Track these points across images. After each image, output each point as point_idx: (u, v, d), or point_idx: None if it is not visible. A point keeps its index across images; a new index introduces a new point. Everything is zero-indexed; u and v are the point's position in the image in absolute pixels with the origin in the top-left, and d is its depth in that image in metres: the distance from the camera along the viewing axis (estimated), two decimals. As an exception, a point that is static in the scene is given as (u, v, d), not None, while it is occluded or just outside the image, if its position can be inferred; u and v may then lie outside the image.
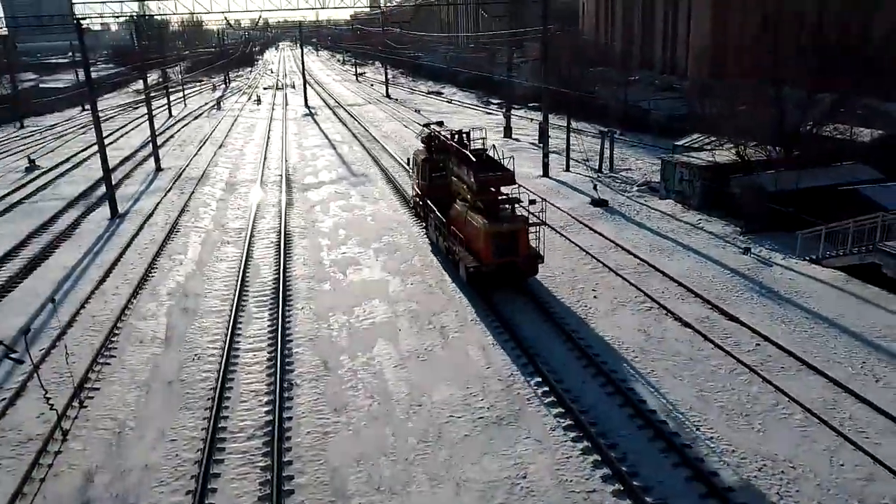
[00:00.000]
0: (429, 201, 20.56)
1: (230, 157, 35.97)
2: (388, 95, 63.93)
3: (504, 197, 17.63)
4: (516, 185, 17.73)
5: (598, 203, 24.10)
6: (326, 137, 41.46)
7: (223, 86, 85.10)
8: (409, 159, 25.18)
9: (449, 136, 19.72)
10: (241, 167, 33.18)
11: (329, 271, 19.07)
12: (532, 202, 18.57)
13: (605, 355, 14.10)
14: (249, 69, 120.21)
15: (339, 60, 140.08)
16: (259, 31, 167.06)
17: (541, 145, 31.08)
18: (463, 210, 18.24)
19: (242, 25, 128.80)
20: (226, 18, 35.64)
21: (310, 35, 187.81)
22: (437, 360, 14.27)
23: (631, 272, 18.08)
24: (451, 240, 18.71)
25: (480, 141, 19.66)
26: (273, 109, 57.01)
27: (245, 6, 31.20)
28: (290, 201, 26.36)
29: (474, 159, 17.74)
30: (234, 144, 39.76)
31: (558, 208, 23.74)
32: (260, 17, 37.13)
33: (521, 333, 14.95)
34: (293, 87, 79.04)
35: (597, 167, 29.26)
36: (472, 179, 17.44)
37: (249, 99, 67.24)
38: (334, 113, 52.86)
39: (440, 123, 21.83)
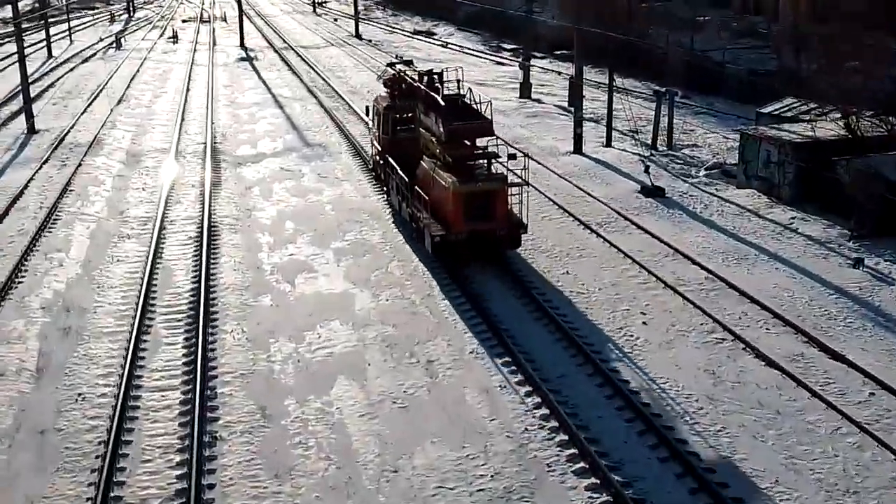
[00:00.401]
0: (391, 159, 21.96)
1: (134, 116, 36.01)
2: (357, 35, 64.26)
3: (479, 151, 19.40)
4: (494, 137, 19.44)
5: (651, 191, 24.36)
6: (270, 92, 41.60)
7: (125, 16, 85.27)
8: (367, 107, 26.40)
9: (417, 78, 21.01)
10: (148, 131, 33.23)
11: (270, 280, 19.13)
12: (512, 157, 19.71)
13: (658, 404, 14.18)
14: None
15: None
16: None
17: (571, 110, 31.37)
18: (430, 168, 19.80)
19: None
20: None
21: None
22: (422, 407, 14.32)
23: (695, 289, 18.24)
24: (415, 204, 20.17)
25: (476, 96, 19.79)
26: (195, 51, 57.17)
27: None
28: (218, 180, 26.43)
29: (444, 104, 19.17)
30: (140, 99, 39.83)
31: (595, 198, 23.98)
32: None
33: (539, 371, 15.05)
34: (224, 20, 79.26)
35: (649, 142, 29.54)
36: (441, 129, 19.01)
37: (162, 35, 67.45)
38: (282, 58, 53.12)
39: (408, 63, 22.95)
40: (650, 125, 30.35)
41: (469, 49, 57.04)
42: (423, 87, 20.46)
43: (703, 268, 19.20)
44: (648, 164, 26.26)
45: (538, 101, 38.19)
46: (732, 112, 34.18)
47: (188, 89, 41.84)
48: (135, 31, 72.22)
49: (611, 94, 29.72)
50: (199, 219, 22.59)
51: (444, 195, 19.13)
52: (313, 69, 48.10)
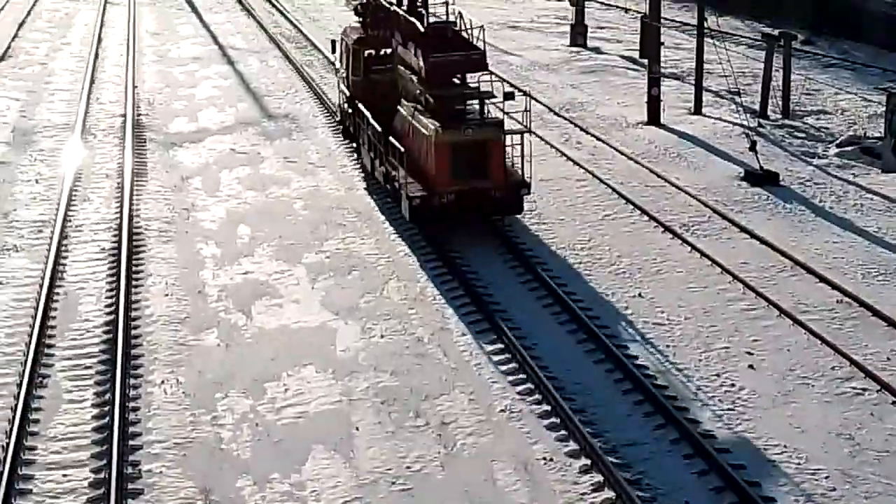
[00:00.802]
0: (361, 106, 23.59)
1: (23, 78, 36.38)
2: None
3: (469, 91, 21.08)
4: (487, 73, 21.02)
5: (760, 178, 24.34)
6: (216, 41, 41.95)
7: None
8: (332, 42, 27.86)
9: (395, 1, 22.63)
10: (44, 99, 33.55)
11: (217, 309, 19.20)
12: (509, 96, 21.51)
13: (772, 484, 14.08)
14: None
15: None
16: None
17: (645, 63, 31.36)
18: (409, 114, 21.44)
19: None
20: None
21: None
22: (433, 490, 14.28)
23: (823, 318, 18.17)
24: (390, 160, 21.79)
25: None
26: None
27: None
28: (143, 168, 26.62)
29: (425, 31, 20.81)
30: (32, 54, 40.27)
31: (679, 188, 23.96)
32: None
33: (600, 438, 14.98)
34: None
35: (756, 108, 29.48)
36: (421, 62, 20.54)
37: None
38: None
39: None
40: (757, 84, 30.30)
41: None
42: (400, 12, 21.91)
43: (834, 287, 19.14)
44: (755, 139, 26.21)
45: (596, 50, 38.29)
46: (876, 64, 34.08)
47: (100, 39, 42.29)
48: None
49: (700, 41, 29.70)
50: (116, 223, 22.74)
51: (426, 146, 20.66)
52: (277, 7, 48.41)
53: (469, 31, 21.25)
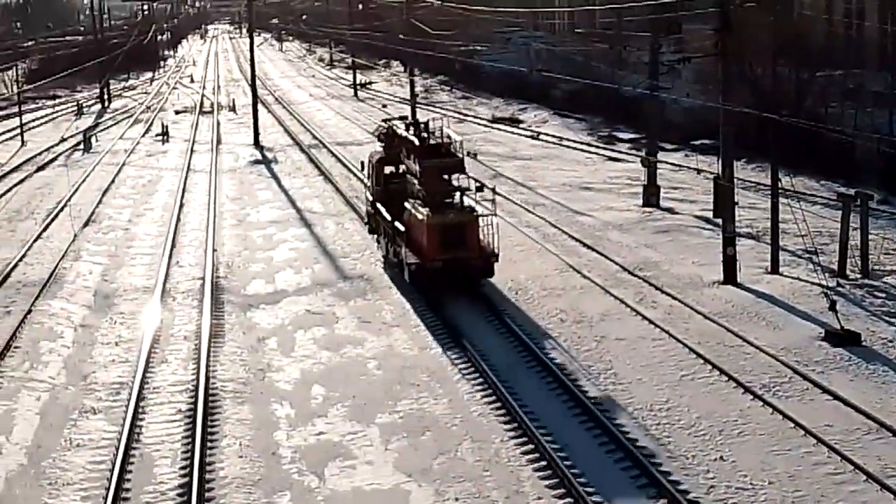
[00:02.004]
0: (380, 207, 31.62)
1: (106, 243, 37.33)
2: (414, 126, 66.34)
3: (452, 186, 29.17)
4: (464, 174, 29.19)
5: (841, 338, 23.88)
6: (294, 205, 42.86)
7: (97, 106, 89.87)
8: (362, 163, 35.56)
9: (405, 128, 30.96)
10: (125, 263, 34.31)
11: (290, 471, 19.08)
12: (479, 189, 29.88)
13: None
14: (151, 74, 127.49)
15: (321, 59, 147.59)
16: (170, 2, 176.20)
17: (719, 222, 31.33)
18: (411, 206, 29.39)
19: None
20: None
21: (268, 11, 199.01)
22: None
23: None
24: (396, 240, 29.63)
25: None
26: (192, 152, 59.68)
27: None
28: (220, 330, 26.91)
29: (418, 143, 29.02)
30: (116, 219, 41.39)
31: (758, 348, 23.59)
32: None
33: None
34: (232, 109, 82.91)
35: (835, 267, 29.16)
36: (417, 166, 28.85)
37: (147, 131, 70.73)
38: (311, 159, 55.01)
39: (404, 118, 32.17)
40: (834, 243, 30.03)
41: (570, 140, 58.22)
42: (406, 135, 29.97)
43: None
44: (835, 298, 25.83)
45: (670, 210, 38.39)
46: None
47: (181, 204, 43.39)
48: (110, 126, 76.04)
49: (775, 200, 29.66)
50: (193, 384, 22.90)
51: (420, 227, 28.34)
52: (354, 173, 49.49)
53: (453, 142, 29.36)
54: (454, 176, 29.34)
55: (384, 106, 79.80)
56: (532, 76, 71.76)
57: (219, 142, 63.98)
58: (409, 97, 69.95)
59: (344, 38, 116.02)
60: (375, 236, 33.60)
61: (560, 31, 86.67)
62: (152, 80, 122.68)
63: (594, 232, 35.36)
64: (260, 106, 65.91)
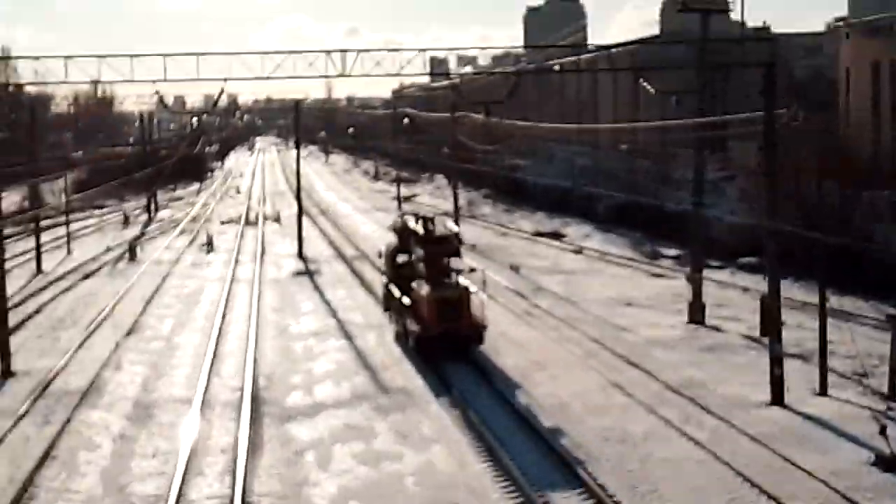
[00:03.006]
0: (392, 287, 37.82)
1: (147, 352, 37.34)
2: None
3: (451, 268, 35.53)
4: (460, 257, 36.15)
5: (890, 463, 23.22)
6: (335, 317, 42.81)
7: (143, 216, 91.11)
8: (379, 252, 42.39)
9: (415, 221, 37.05)
10: (165, 373, 34.24)
11: (325, 592, 18.56)
12: (472, 270, 37.99)
13: None
14: (198, 186, 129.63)
15: (366, 172, 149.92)
16: (219, 115, 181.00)
17: (765, 342, 30.89)
18: (417, 285, 35.35)
19: (188, 107, 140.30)
20: (157, 93, 38.15)
21: (314, 125, 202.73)
22: None
23: None
24: (404, 314, 35.73)
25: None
26: (237, 263, 60.09)
27: (198, 73, 33.86)
28: (258, 442, 26.63)
29: (423, 232, 35.66)
30: (158, 329, 41.48)
31: (807, 472, 22.96)
32: (222, 91, 39.70)
33: None
34: (278, 220, 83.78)
35: (885, 390, 28.55)
36: (421, 251, 35.47)
37: (193, 242, 71.48)
38: (353, 270, 55.21)
39: (416, 215, 38.12)
40: (884, 366, 29.43)
41: (614, 255, 58.07)
42: (416, 228, 36.31)
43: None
44: (885, 422, 25.19)
45: (715, 328, 37.91)
46: None
47: (224, 315, 43.42)
48: (156, 236, 76.89)
49: (823, 320, 29.20)
50: (229, 498, 22.57)
51: (422, 301, 34.40)
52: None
53: (454, 233, 36.34)
54: (452, 260, 35.83)
55: (407, 199, 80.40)
56: (575, 191, 72.16)
57: (263, 252, 64.40)
58: (452, 209, 70.39)
59: (389, 151, 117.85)
60: (388, 313, 39.66)
61: (604, 144, 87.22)
62: (199, 190, 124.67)
63: (638, 349, 34.94)
64: (305, 217, 66.53)
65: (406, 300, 35.38)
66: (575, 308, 42.47)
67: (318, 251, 64.46)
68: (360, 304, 45.15)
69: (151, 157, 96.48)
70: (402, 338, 36.47)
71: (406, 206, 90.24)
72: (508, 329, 38.33)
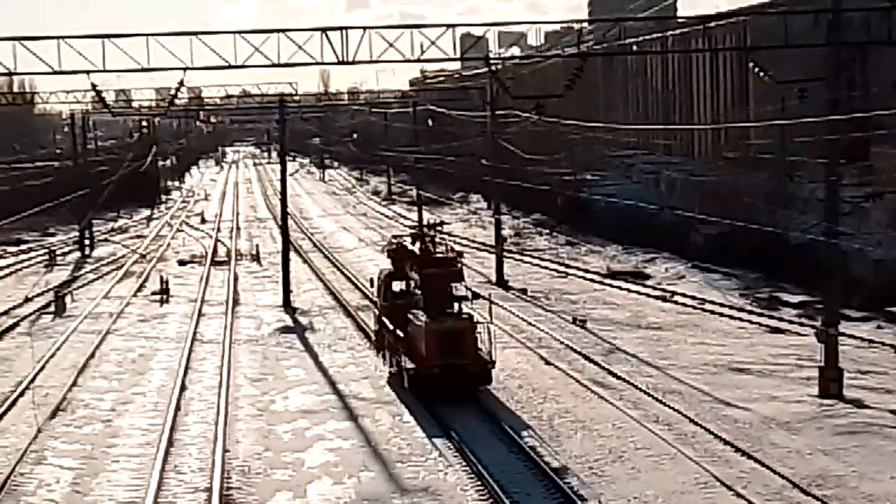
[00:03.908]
0: (386, 321, 42.26)
1: (80, 439, 37.26)
2: (501, 282, 66.28)
3: (452, 295, 39.49)
4: (463, 283, 40.13)
5: None
6: (334, 389, 42.71)
7: (77, 254, 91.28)
8: (371, 279, 47.82)
9: (411, 241, 41.94)
10: (103, 468, 34.14)
11: None
12: (477, 297, 42.20)
13: None
14: (149, 212, 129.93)
15: (375, 193, 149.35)
16: (177, 117, 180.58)
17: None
18: (414, 317, 39.31)
19: (135, 106, 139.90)
20: (94, 88, 37.73)
21: (306, 129, 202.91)
22: None
23: None
24: (398, 349, 40.18)
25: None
26: (201, 316, 60.23)
27: (148, 61, 33.69)
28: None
29: (419, 253, 40.08)
30: (93, 408, 41.42)
31: None
32: (181, 84, 39.37)
33: None
34: (256, 259, 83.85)
35: None
36: (418, 276, 39.57)
37: (141, 288, 71.67)
38: (359, 326, 55.07)
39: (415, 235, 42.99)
40: None
41: (715, 304, 57.73)
42: (412, 248, 40.81)
43: None
44: None
45: (857, 402, 37.56)
46: None
47: (183, 387, 43.39)
48: (92, 281, 77.05)
49: None
50: None
51: (419, 334, 38.46)
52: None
53: (456, 256, 41.18)
54: (454, 285, 39.79)
55: (430, 228, 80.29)
56: (663, 215, 71.89)
57: (236, 302, 64.47)
58: (493, 242, 70.30)
59: (407, 163, 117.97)
60: (381, 352, 44.18)
61: (702, 155, 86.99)
62: (150, 218, 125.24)
63: (750, 432, 34.65)
64: (293, 254, 66.57)
65: (400, 333, 40.18)
66: (663, 376, 42.21)
67: (311, 300, 64.48)
68: (368, 372, 44.99)
69: (86, 175, 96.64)
70: (396, 380, 40.98)
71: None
72: (572, 405, 38.11)
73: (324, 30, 34.36)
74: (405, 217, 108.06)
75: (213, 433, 36.71)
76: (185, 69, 34.80)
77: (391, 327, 41.22)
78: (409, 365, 38.52)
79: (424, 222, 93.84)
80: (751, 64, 43.98)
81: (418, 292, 39.96)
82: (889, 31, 38.53)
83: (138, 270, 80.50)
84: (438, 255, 40.34)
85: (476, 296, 42.14)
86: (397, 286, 42.83)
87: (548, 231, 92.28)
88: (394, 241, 44.74)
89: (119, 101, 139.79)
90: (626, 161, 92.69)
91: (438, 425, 36.34)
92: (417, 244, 40.90)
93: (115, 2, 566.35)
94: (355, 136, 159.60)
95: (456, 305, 39.65)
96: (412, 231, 45.96)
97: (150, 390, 43.78)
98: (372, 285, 47.26)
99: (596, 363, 44.72)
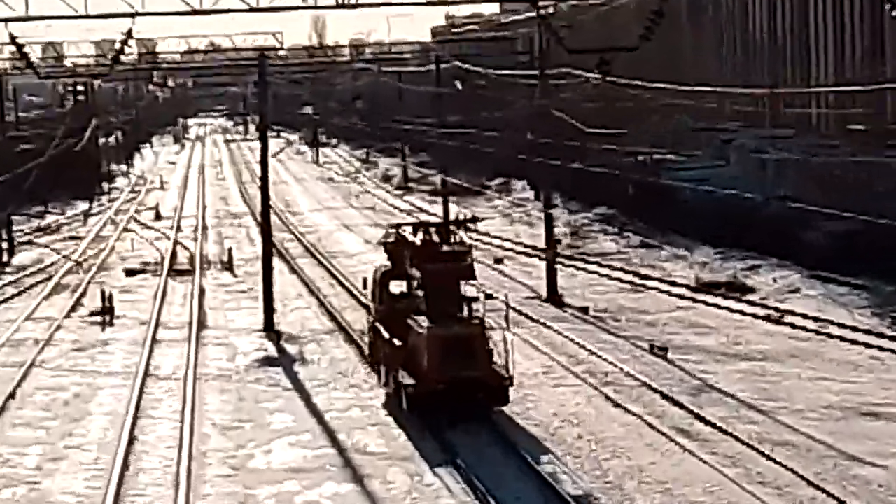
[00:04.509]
0: (380, 326, 45.45)
1: (-5, 507, 37.36)
2: (554, 297, 66.32)
3: (459, 295, 42.13)
4: (475, 281, 43.00)
5: None
6: (332, 441, 42.74)
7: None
8: (364, 280, 51.27)
9: (412, 231, 44.61)
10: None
11: None
12: (489, 297, 44.22)
13: None
14: (87, 205, 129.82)
15: (386, 178, 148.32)
16: (124, 79, 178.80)
17: None
18: (414, 322, 42.11)
19: (68, 65, 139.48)
20: (14, 42, 37.62)
21: (294, 95, 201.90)
22: None
23: None
24: (394, 362, 42.94)
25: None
26: (154, 342, 60.37)
27: (85, 7, 33.76)
28: None
29: (420, 245, 42.84)
30: (15, 465, 41.57)
31: None
32: (128, 36, 39.00)
33: None
34: (229, 268, 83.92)
35: None
36: (418, 272, 42.31)
37: (76, 307, 71.87)
38: (363, 355, 54.88)
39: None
40: None
41: (840, 325, 57.51)
42: (413, 239, 43.60)
43: None
44: None
45: None
46: None
47: (132, 439, 43.43)
48: (11, 297, 77.72)
49: None
50: None
51: (420, 342, 41.10)
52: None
53: (466, 247, 43.72)
54: (463, 284, 42.66)
55: (499, 261, 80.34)
56: (770, 208, 71.72)
57: (202, 325, 64.71)
58: (543, 244, 70.22)
59: (428, 139, 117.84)
60: (376, 367, 47.55)
61: (822, 129, 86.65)
62: (88, 214, 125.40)
63: (887, 498, 34.62)
64: (278, 261, 66.56)
65: (398, 343, 42.71)
66: (770, 423, 42.17)
67: (301, 321, 64.64)
68: (378, 419, 45.02)
69: (3, 155, 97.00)
70: (393, 401, 43.77)
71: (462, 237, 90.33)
72: (649, 462, 38.07)
73: (317, -38, 34.42)
74: (425, 211, 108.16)
75: (171, 500, 36.80)
76: (133, 15, 34.93)
77: (388, 336, 43.60)
78: (409, 381, 41.03)
79: (451, 217, 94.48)
80: (887, 6, 43.93)
81: (420, 292, 42.52)
82: None
83: (73, 283, 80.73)
84: (444, 248, 42.85)
85: (489, 296, 44.37)
86: (396, 287, 45.69)
87: (616, 229, 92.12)
88: (391, 231, 47.45)
89: (47, 59, 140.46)
90: (721, 136, 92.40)
91: (471, 489, 36.30)
92: (419, 235, 43.52)
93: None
94: (359, 103, 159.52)
95: (465, 308, 42.45)
96: (419, 222, 49.07)
97: (89, 442, 43.81)
98: (365, 286, 50.44)
99: (681, 406, 44.72)
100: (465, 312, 42.28)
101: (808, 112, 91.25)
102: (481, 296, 43.32)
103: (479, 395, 40.55)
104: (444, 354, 40.04)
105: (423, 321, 40.92)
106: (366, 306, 50.34)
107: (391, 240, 46.70)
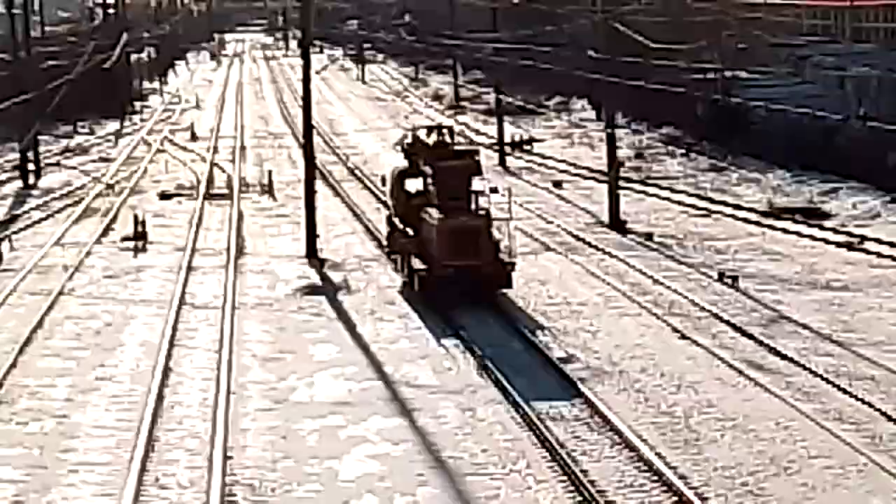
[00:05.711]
0: (397, 221, 53.44)
1: (24, 441, 37.43)
2: (617, 223, 66.01)
3: (468, 190, 50.75)
4: (482, 176, 51.93)
5: None
6: (379, 371, 42.78)
7: (17, 183, 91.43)
8: (383, 177, 59.81)
9: (427, 133, 53.27)
10: (58, 481, 34.21)
11: None
12: (494, 190, 52.32)
13: None
14: (117, 125, 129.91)
15: (437, 97, 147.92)
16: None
17: None
18: (427, 216, 50.30)
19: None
20: None
21: (339, 9, 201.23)
22: None
23: None
24: (407, 249, 51.78)
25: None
26: (189, 270, 60.70)
27: None
28: None
29: (432, 145, 52.02)
30: (40, 397, 41.64)
31: None
32: None
33: None
34: (269, 192, 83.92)
35: None
36: (430, 169, 51.33)
37: (108, 232, 72.08)
38: (381, 248, 55.02)
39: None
40: None
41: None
42: (427, 140, 51.89)
43: None
44: None
45: None
46: None
47: (167, 370, 43.49)
48: (39, 220, 77.78)
49: None
50: None
51: (431, 232, 49.14)
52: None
53: (472, 146, 55.39)
54: (473, 179, 50.66)
55: (557, 184, 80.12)
56: (850, 128, 71.35)
57: (241, 252, 64.97)
58: (605, 167, 70.10)
59: (482, 56, 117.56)
60: (392, 256, 56.02)
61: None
62: (119, 134, 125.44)
63: None
64: (321, 185, 66.45)
65: (410, 231, 51.69)
66: (848, 356, 42.00)
67: (345, 248, 64.70)
68: (427, 350, 45.02)
69: (29, 73, 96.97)
70: (408, 287, 52.32)
71: (515, 161, 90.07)
72: (717, 397, 37.92)
73: None
74: (479, 132, 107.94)
75: (209, 434, 36.83)
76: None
77: (400, 225, 52.65)
78: (420, 267, 49.33)
79: (509, 139, 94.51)
80: None
81: (432, 188, 50.85)
82: None
83: (103, 207, 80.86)
84: (454, 147, 52.19)
85: (494, 190, 52.41)
86: (412, 185, 53.45)
87: (683, 151, 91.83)
88: (409, 134, 55.82)
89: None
90: (798, 52, 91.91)
91: (526, 423, 36.25)
92: (432, 136, 52.26)
93: None
94: (408, 17, 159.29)
95: (473, 201, 50.80)
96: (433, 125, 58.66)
97: (121, 374, 43.96)
98: (384, 184, 58.68)
99: (752, 337, 44.63)
100: (474, 206, 50.25)
101: (890, 27, 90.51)
102: (488, 189, 51.51)
103: (483, 280, 48.70)
104: (452, 243, 48.10)
105: (435, 213, 48.87)
106: (384, 203, 58.28)
107: (409, 141, 54.34)
